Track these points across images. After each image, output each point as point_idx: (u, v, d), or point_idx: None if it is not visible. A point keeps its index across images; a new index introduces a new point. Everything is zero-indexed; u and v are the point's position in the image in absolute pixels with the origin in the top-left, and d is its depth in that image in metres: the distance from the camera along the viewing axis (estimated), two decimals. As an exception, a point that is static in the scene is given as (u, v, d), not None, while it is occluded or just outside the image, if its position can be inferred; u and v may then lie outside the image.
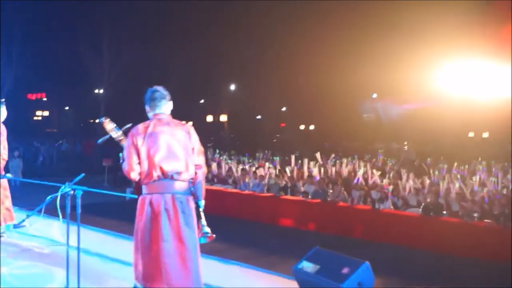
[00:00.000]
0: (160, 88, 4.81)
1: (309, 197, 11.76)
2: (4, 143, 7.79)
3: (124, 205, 13.95)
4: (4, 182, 7.19)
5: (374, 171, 12.84)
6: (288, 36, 39.28)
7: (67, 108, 52.58)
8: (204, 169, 4.85)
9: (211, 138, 39.01)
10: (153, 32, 35.22)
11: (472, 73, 25.10)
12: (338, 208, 11.12)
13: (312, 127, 49.45)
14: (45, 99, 51.18)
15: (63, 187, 3.47)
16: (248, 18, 38.79)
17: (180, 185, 4.64)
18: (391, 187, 11.53)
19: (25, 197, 12.33)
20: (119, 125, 5.25)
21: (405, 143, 29.77)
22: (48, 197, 3.51)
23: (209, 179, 14.81)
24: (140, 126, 4.69)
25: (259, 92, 43.96)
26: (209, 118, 48.06)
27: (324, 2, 34.73)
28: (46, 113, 52.33)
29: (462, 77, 25.66)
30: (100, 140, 5.28)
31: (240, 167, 15.49)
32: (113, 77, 33.55)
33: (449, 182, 11.74)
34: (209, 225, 4.54)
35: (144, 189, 4.63)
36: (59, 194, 3.45)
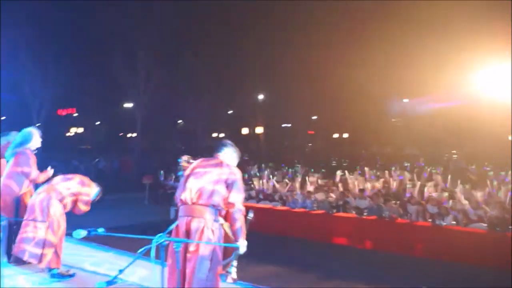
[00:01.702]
0: (227, 142, 5.53)
1: (365, 213, 11.29)
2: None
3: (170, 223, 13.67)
4: (63, 222, 6.94)
5: (428, 184, 12.32)
6: (317, 42, 38.85)
7: (98, 123, 52.73)
8: (237, 207, 5.07)
9: (246, 150, 38.83)
10: (183, 43, 35.08)
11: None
12: (396, 225, 10.62)
13: (346, 135, 48.95)
14: (75, 114, 51.26)
15: (156, 237, 3.12)
16: (275, 25, 38.55)
17: (199, 210, 4.97)
18: (450, 201, 11.04)
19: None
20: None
21: (454, 151, 28.94)
22: (141, 249, 3.17)
23: (252, 196, 14.47)
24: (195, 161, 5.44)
25: (289, 101, 43.64)
26: (245, 131, 47.76)
27: (354, 5, 34.31)
28: (80, 130, 52.40)
29: (501, 78, 24.91)
30: (180, 173, 6.09)
31: (285, 181, 15.20)
32: (143, 90, 33.41)
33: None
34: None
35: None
36: (153, 245, 3.10)
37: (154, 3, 32.09)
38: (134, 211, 15.45)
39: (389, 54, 33.88)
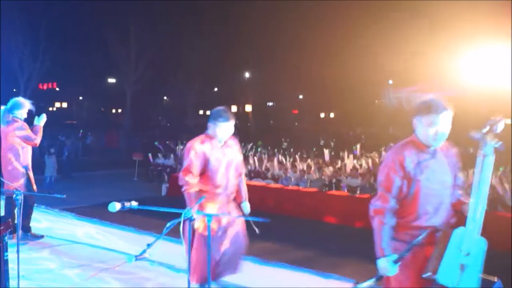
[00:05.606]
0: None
1: (358, 192, 11.39)
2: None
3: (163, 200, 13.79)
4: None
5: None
6: (303, 22, 38.78)
7: (81, 98, 52.31)
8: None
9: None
10: (167, 20, 34.90)
11: (498, 60, 24.27)
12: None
13: (332, 115, 49.06)
14: (57, 89, 50.73)
15: (185, 211, 3.13)
16: (259, 5, 38.41)
17: None
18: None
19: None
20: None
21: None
22: (169, 223, 3.19)
23: (245, 175, 14.52)
24: None
25: (275, 79, 43.59)
26: (234, 109, 47.66)
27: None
28: (64, 104, 51.96)
29: (488, 64, 24.83)
30: None
31: (276, 160, 15.28)
32: (134, 66, 33.14)
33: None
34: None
35: None
36: (181, 219, 3.11)
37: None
38: (124, 187, 15.43)
39: (378, 37, 33.90)
